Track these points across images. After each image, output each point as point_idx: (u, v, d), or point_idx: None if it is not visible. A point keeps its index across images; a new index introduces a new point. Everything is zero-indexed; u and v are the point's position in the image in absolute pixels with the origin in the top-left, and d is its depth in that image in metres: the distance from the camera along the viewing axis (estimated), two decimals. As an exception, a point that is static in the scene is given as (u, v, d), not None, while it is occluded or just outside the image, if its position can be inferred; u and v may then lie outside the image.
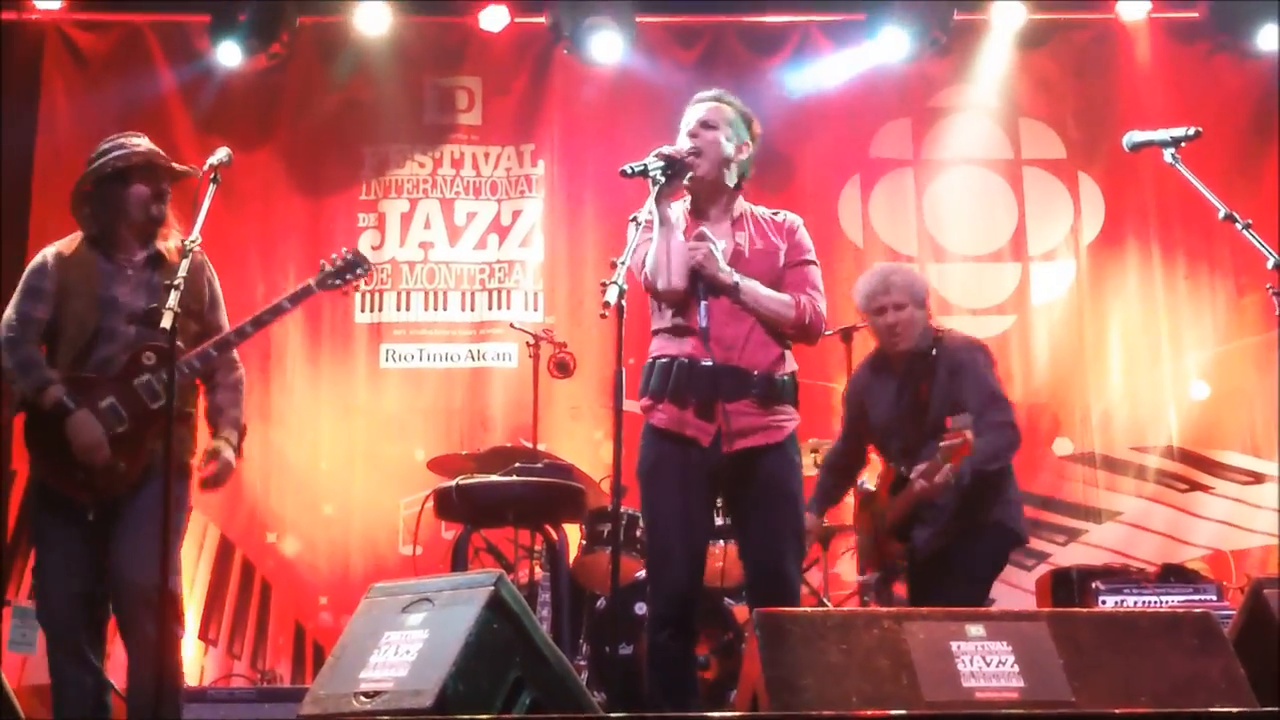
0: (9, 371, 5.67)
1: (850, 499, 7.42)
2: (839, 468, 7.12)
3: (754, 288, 5.29)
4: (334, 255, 5.98)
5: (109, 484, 5.56)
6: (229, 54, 10.12)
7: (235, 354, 5.94)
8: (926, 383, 6.56)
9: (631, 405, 5.31)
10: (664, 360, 5.32)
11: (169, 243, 5.84)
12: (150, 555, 5.20)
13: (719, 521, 6.94)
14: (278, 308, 5.85)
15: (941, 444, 6.03)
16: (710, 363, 5.23)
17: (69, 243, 5.85)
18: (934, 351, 6.60)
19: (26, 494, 5.02)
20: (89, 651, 5.64)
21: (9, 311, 5.74)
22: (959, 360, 6.57)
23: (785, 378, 5.36)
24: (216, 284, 6.01)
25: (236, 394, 5.96)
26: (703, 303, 5.26)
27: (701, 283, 5.27)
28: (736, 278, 5.26)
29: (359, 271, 5.98)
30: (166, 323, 5.02)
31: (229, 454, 5.82)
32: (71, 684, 5.63)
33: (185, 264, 5.22)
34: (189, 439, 5.82)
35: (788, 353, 5.43)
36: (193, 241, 5.28)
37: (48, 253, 5.84)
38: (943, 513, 6.39)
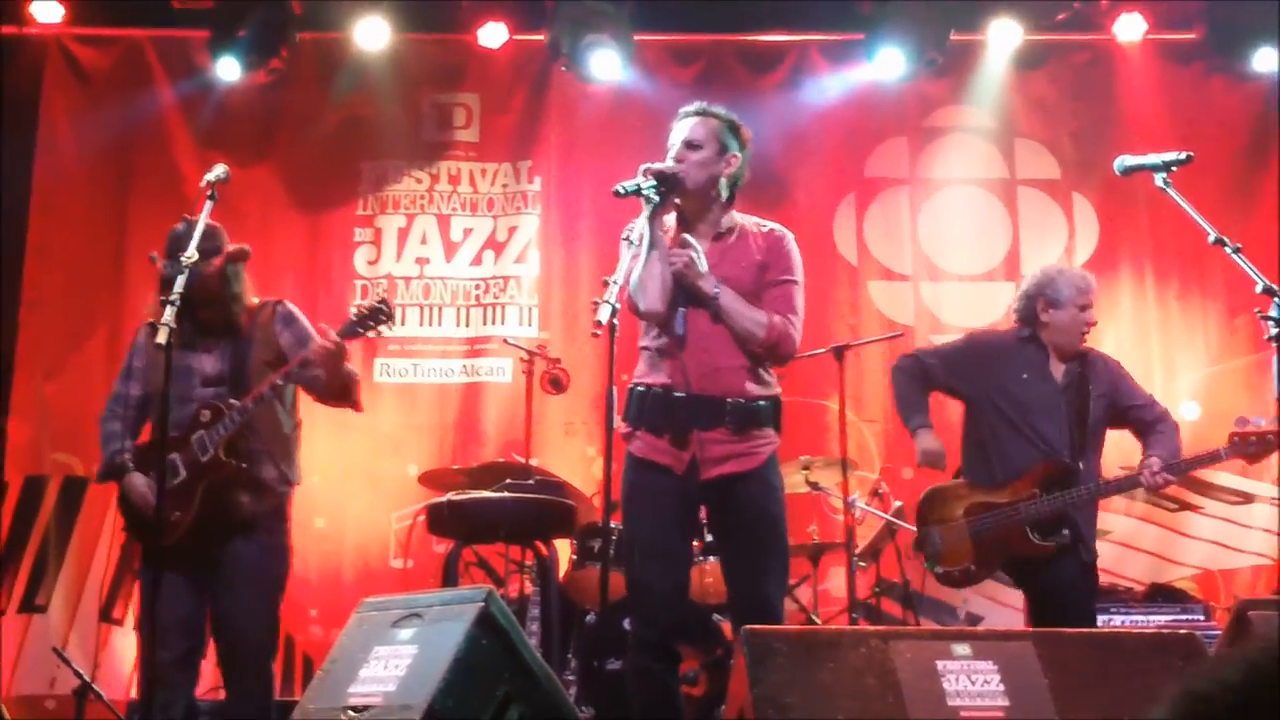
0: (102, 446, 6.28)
1: (838, 503, 7.42)
2: (921, 384, 7.13)
3: (732, 301, 5.27)
4: (361, 303, 6.28)
5: (169, 532, 5.88)
6: (228, 69, 10.15)
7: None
8: (1091, 385, 6.76)
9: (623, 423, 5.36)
10: (641, 389, 5.34)
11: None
12: (239, 624, 6.01)
13: (707, 539, 6.97)
14: (305, 364, 6.01)
15: (1254, 436, 6.45)
16: (683, 394, 5.24)
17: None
18: (1088, 357, 6.87)
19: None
20: (180, 688, 6.02)
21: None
22: (1113, 368, 6.92)
23: (763, 403, 5.32)
24: (299, 325, 6.26)
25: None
26: (681, 310, 5.28)
27: (682, 293, 5.28)
28: (717, 289, 5.26)
29: (382, 317, 6.08)
30: (162, 338, 5.11)
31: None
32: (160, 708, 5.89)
33: (181, 281, 5.32)
34: (261, 494, 6.13)
35: (768, 375, 5.41)
36: (189, 258, 5.35)
37: (140, 331, 6.31)
38: (1091, 519, 6.68)
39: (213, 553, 5.98)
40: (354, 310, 6.15)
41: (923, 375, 7.04)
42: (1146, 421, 6.86)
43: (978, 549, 6.77)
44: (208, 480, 5.92)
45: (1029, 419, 6.79)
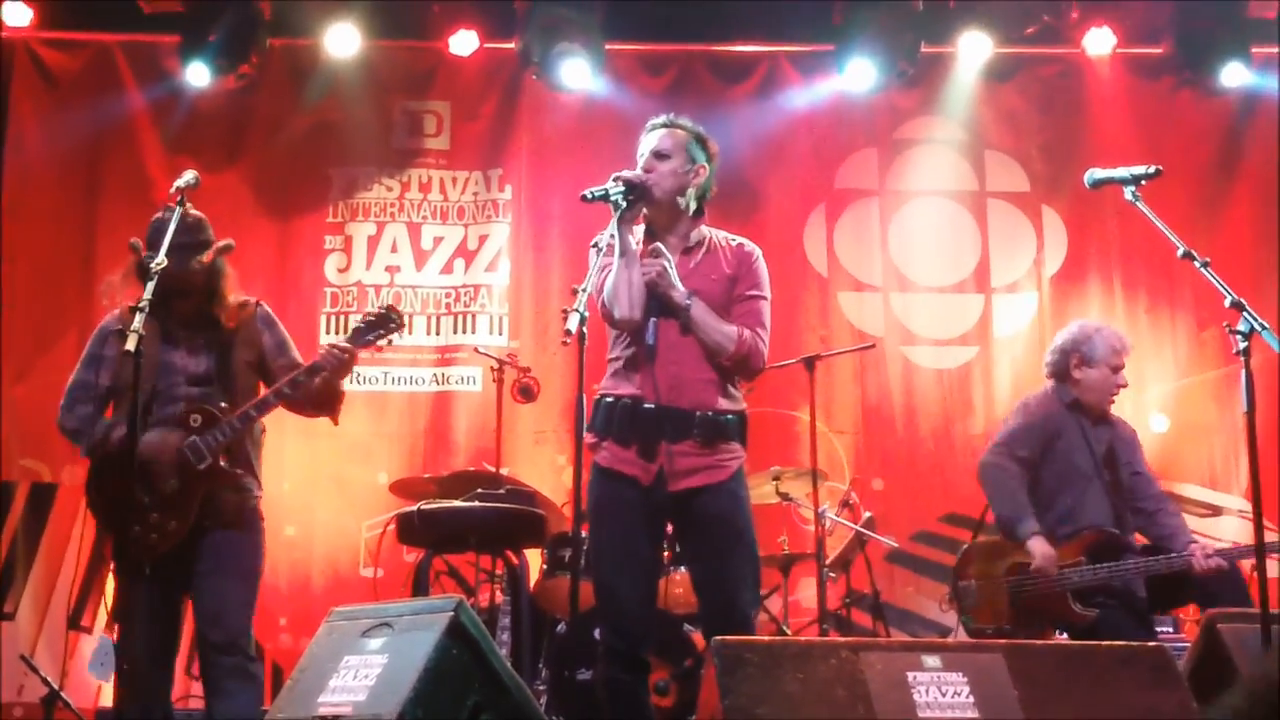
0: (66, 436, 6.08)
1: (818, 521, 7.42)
2: (1019, 482, 7.04)
3: (703, 312, 5.27)
4: (367, 312, 6.18)
5: (162, 541, 5.74)
6: (198, 75, 10.10)
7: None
8: (1118, 453, 6.89)
9: (593, 433, 5.36)
10: (609, 399, 5.33)
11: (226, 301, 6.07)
12: (224, 611, 5.81)
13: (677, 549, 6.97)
14: (315, 369, 5.91)
15: None
16: (652, 405, 5.24)
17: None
18: (1114, 423, 6.99)
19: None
20: (158, 692, 5.87)
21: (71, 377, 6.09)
22: (1132, 436, 7.05)
23: (730, 417, 5.32)
24: (279, 330, 6.16)
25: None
26: (652, 320, 5.28)
27: (654, 302, 5.28)
28: (689, 300, 5.27)
29: (392, 326, 6.05)
30: (131, 345, 5.06)
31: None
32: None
33: (150, 286, 5.27)
34: (243, 494, 5.98)
35: (735, 390, 5.41)
36: (158, 264, 5.31)
37: (110, 317, 6.08)
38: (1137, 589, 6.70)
39: (188, 546, 5.80)
40: (361, 318, 6.09)
41: (1018, 473, 6.98)
42: (1149, 495, 6.93)
43: (1015, 609, 6.83)
44: (206, 487, 5.79)
45: (1076, 486, 6.87)
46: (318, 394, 5.99)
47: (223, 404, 5.83)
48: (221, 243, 5.98)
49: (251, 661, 5.84)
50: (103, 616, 9.41)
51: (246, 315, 6.04)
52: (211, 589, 5.82)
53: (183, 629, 6.06)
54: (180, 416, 5.82)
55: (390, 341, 6.07)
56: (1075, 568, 6.64)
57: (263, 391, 5.99)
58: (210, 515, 5.80)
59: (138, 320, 5.12)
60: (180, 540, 5.75)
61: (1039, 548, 6.73)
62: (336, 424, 6.33)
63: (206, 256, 5.90)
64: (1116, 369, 6.89)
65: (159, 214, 5.90)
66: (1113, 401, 6.95)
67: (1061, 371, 6.99)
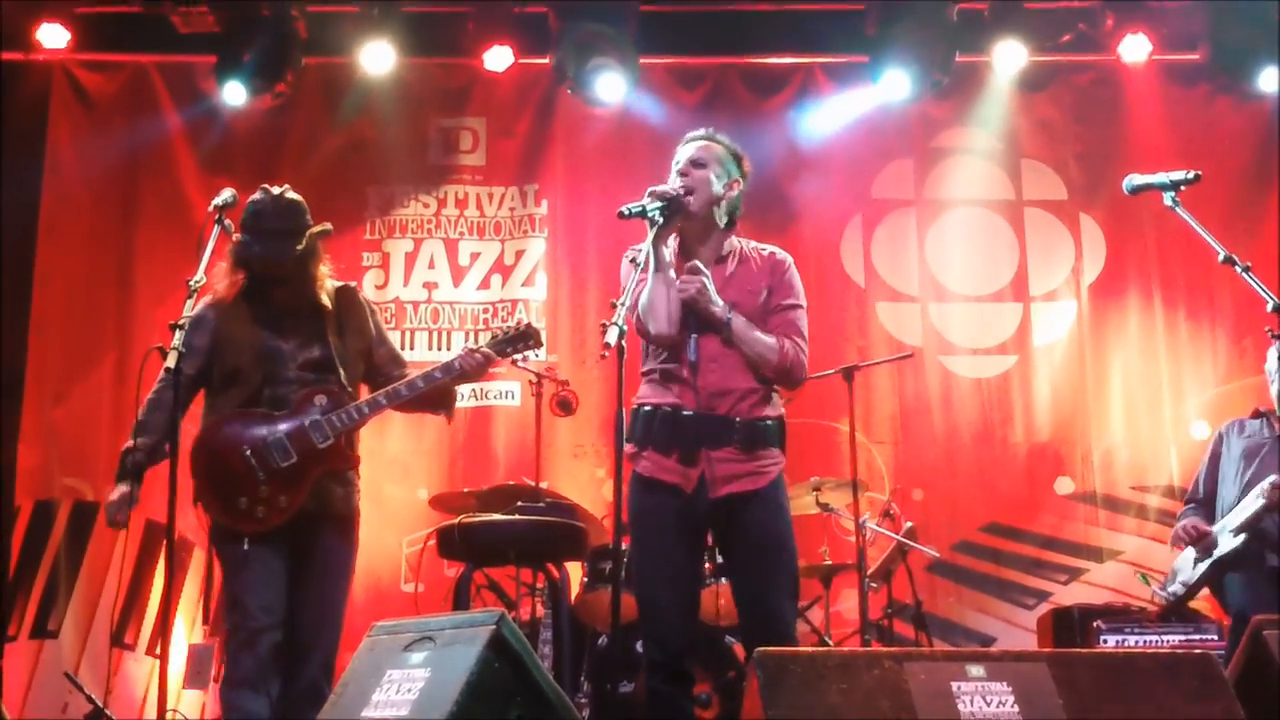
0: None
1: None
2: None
3: (743, 325, 5.29)
4: (508, 325, 6.21)
5: (270, 515, 5.73)
6: (234, 94, 10.14)
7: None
8: None
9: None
10: (647, 409, 5.34)
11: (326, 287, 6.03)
12: (326, 624, 5.85)
13: (719, 560, 6.95)
14: (451, 368, 5.96)
15: None
16: (691, 412, 5.25)
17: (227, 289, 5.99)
18: None
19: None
20: (265, 683, 5.72)
21: None
22: None
23: (770, 423, 5.34)
24: (380, 319, 6.22)
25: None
26: (693, 337, 5.29)
27: (693, 317, 5.29)
28: (730, 314, 5.28)
29: (531, 343, 6.11)
30: (171, 362, 5.08)
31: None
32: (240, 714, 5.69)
33: (190, 303, 5.29)
34: (349, 488, 6.03)
35: (774, 396, 5.42)
36: (197, 282, 5.33)
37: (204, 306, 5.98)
38: None
39: (300, 542, 5.82)
40: (504, 329, 6.12)
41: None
42: None
43: None
44: (323, 468, 5.80)
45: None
46: (433, 395, 6.02)
47: (349, 389, 5.86)
48: (318, 227, 5.96)
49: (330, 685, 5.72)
50: (147, 633, 9.46)
51: (351, 300, 6.03)
52: (318, 597, 5.84)
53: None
54: (299, 401, 5.81)
55: (526, 359, 6.09)
56: None
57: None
58: (319, 503, 5.80)
59: (178, 338, 5.14)
60: (289, 519, 5.73)
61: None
62: (450, 422, 6.47)
63: (299, 243, 5.88)
64: None
65: (257, 196, 5.92)
66: None
67: None
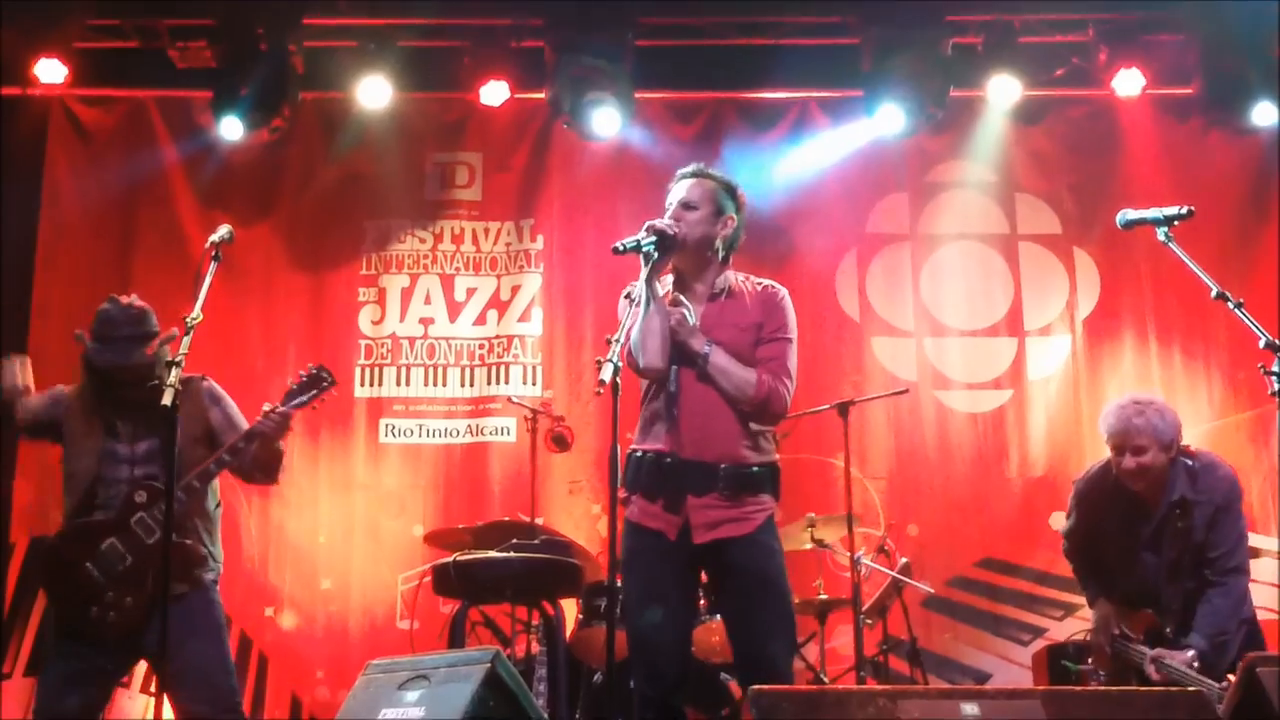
0: None
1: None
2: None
3: (722, 361, 5.31)
4: (301, 372, 6.23)
5: (120, 619, 5.86)
6: (231, 129, 10.14)
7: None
8: (1187, 534, 6.43)
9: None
10: (637, 454, 5.38)
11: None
12: (211, 671, 5.93)
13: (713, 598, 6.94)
14: (252, 434, 6.06)
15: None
16: (676, 459, 5.27)
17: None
18: (1188, 496, 6.41)
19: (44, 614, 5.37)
20: None
21: None
22: (1218, 504, 6.44)
23: (758, 469, 5.35)
24: (228, 405, 6.30)
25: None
26: (674, 369, 5.31)
27: (676, 350, 5.31)
28: (708, 348, 5.30)
29: (324, 385, 6.17)
30: (167, 399, 5.09)
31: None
32: None
33: (187, 340, 5.31)
34: (198, 567, 6.08)
35: (766, 442, 5.43)
36: (194, 319, 5.34)
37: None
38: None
39: (147, 622, 5.87)
40: (292, 381, 6.19)
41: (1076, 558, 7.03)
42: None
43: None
44: (157, 563, 5.80)
45: (1109, 564, 6.79)
46: (257, 459, 6.11)
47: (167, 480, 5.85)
48: (165, 334, 6.08)
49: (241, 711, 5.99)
50: (141, 671, 9.42)
51: (191, 393, 6.10)
52: (191, 653, 5.85)
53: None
54: (126, 498, 5.95)
55: (323, 401, 6.14)
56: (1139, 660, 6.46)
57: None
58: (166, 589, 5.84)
59: (173, 374, 5.15)
60: (140, 618, 5.84)
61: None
62: (277, 484, 6.46)
63: (149, 347, 6.03)
64: (1115, 451, 6.46)
65: (105, 306, 6.11)
66: (1134, 484, 6.44)
67: None
